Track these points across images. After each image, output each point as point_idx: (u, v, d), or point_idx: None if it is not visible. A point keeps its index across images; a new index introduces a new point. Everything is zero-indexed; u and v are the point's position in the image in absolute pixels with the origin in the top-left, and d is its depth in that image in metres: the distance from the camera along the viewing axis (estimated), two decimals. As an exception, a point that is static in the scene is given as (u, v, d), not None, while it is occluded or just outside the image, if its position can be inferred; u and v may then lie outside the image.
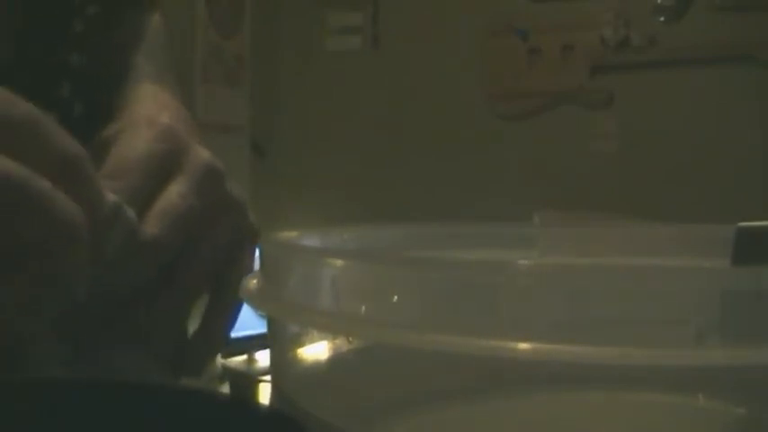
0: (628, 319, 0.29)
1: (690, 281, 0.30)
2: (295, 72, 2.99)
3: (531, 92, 2.68)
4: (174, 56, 0.63)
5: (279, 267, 0.39)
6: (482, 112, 2.74)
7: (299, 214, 2.69)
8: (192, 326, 0.47)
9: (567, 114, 2.63)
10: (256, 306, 0.42)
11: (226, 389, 0.52)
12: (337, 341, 0.40)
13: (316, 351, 0.40)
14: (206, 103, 2.53)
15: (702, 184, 2.36)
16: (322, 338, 0.40)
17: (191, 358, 0.47)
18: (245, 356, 0.55)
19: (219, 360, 0.53)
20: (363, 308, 0.33)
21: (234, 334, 0.49)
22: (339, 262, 0.34)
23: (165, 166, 0.43)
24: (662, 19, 2.50)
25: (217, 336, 0.47)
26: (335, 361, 0.40)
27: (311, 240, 0.47)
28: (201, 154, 0.45)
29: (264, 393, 0.50)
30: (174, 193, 0.43)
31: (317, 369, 0.41)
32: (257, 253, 0.47)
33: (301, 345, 0.40)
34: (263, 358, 0.54)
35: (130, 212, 0.40)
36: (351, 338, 0.39)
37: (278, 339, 0.42)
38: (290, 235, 0.45)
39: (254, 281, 0.40)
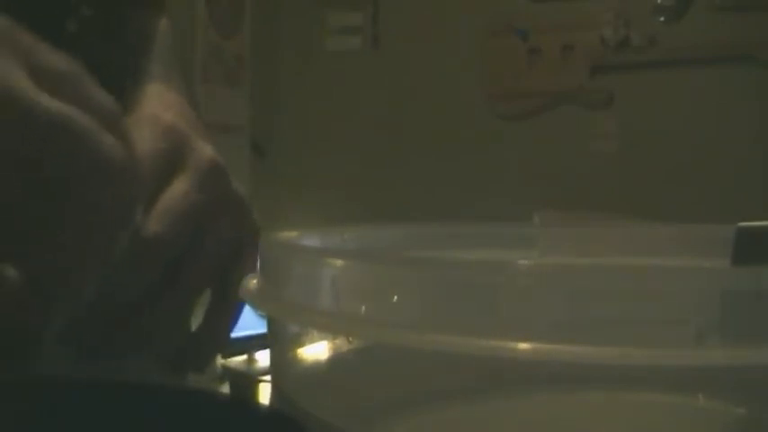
0: (628, 319, 0.29)
1: (690, 281, 0.30)
2: (295, 72, 2.99)
3: (531, 92, 2.68)
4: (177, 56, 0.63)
5: (279, 267, 0.39)
6: (482, 112, 2.74)
7: (299, 214, 2.69)
8: (195, 324, 0.47)
9: (567, 114, 2.63)
10: (256, 306, 0.42)
11: (226, 389, 0.52)
12: (337, 341, 0.40)
13: (316, 351, 0.40)
14: (206, 103, 2.53)
15: (702, 184, 2.36)
16: (322, 338, 0.40)
17: (194, 356, 0.47)
18: (245, 356, 0.55)
19: (219, 360, 0.53)
20: (363, 308, 0.33)
21: (234, 334, 0.49)
22: (339, 262, 0.34)
23: (168, 163, 0.43)
24: (662, 19, 2.50)
25: (220, 333, 0.47)
26: (335, 361, 0.40)
27: (311, 240, 0.47)
28: (205, 151, 0.45)
29: (264, 393, 0.50)
30: (178, 190, 0.43)
31: (317, 369, 0.41)
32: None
33: (301, 345, 0.40)
34: (263, 358, 0.54)
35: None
36: (351, 338, 0.39)
37: (278, 339, 0.41)
38: (290, 235, 0.45)
39: (254, 281, 0.40)
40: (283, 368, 0.42)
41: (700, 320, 0.28)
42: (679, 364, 0.28)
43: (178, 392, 0.34)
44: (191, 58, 2.54)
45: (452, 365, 0.34)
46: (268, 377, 0.50)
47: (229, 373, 0.53)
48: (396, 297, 0.32)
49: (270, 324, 0.42)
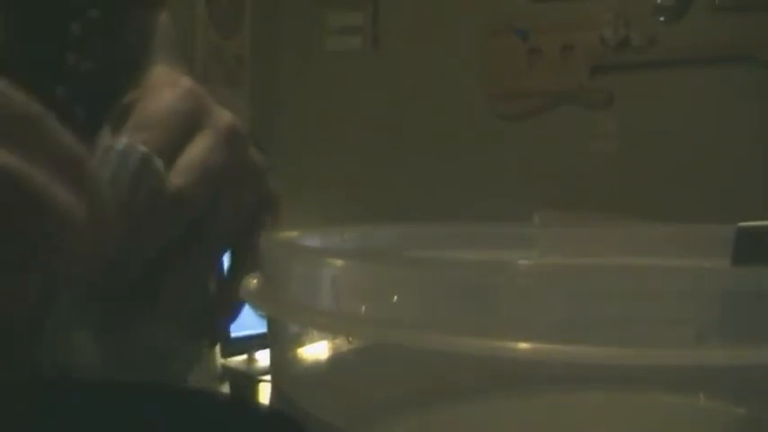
0: (628, 319, 0.29)
1: (690, 281, 0.30)
2: (295, 72, 2.99)
3: (531, 92, 2.68)
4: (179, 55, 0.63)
5: (279, 267, 0.39)
6: (482, 112, 2.74)
7: (299, 214, 2.69)
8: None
9: (567, 114, 2.63)
10: (256, 306, 0.42)
11: (226, 389, 0.52)
12: (337, 341, 0.40)
13: (316, 351, 0.40)
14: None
15: (702, 184, 2.36)
16: (322, 338, 0.40)
17: (210, 322, 0.47)
18: (245, 356, 0.55)
19: (219, 360, 0.53)
20: (363, 308, 0.33)
21: (234, 334, 0.49)
22: (339, 262, 0.34)
23: (190, 122, 0.44)
24: (662, 19, 2.50)
25: (234, 301, 0.47)
26: (335, 361, 0.40)
27: (311, 240, 0.47)
28: (225, 115, 0.46)
29: (264, 393, 0.50)
30: (200, 148, 0.43)
31: (317, 369, 0.41)
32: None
33: (301, 345, 0.40)
34: (263, 358, 0.54)
35: (159, 163, 0.40)
36: (351, 338, 0.39)
37: (278, 339, 0.41)
38: (290, 235, 0.45)
39: (254, 281, 0.40)
40: (283, 368, 0.42)
41: (700, 320, 0.28)
42: (679, 364, 0.28)
43: (178, 392, 0.34)
44: (191, 58, 2.54)
45: (452, 365, 0.34)
46: (268, 377, 0.50)
47: (229, 373, 0.53)
48: (396, 297, 0.32)
49: (270, 324, 0.42)
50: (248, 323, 0.51)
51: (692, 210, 2.03)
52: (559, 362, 0.29)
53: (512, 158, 2.65)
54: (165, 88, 0.45)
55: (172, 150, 0.42)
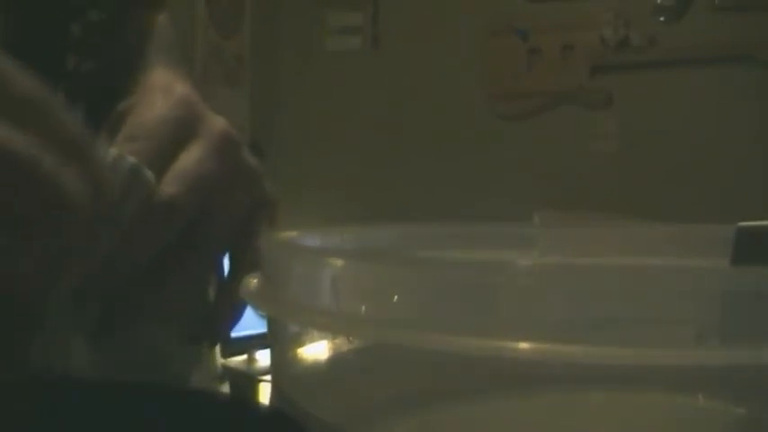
0: (628, 319, 0.29)
1: (690, 281, 0.30)
2: (295, 72, 2.99)
3: (531, 92, 2.68)
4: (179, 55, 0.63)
5: (279, 267, 0.39)
6: (482, 112, 2.74)
7: (299, 214, 2.69)
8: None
9: (567, 114, 2.63)
10: (256, 306, 0.42)
11: (226, 389, 0.52)
12: (337, 341, 0.40)
13: (316, 351, 0.40)
14: (206, 104, 2.53)
15: (702, 184, 2.36)
16: (322, 338, 0.40)
17: (209, 326, 0.47)
18: (245, 356, 0.55)
19: (219, 360, 0.53)
20: (363, 308, 0.33)
21: (234, 334, 0.49)
22: (339, 262, 0.34)
23: (181, 131, 0.44)
24: (662, 19, 2.50)
25: (233, 303, 0.47)
26: (335, 361, 0.40)
27: (311, 240, 0.47)
28: (218, 122, 0.46)
29: (264, 393, 0.50)
30: (192, 157, 0.43)
31: (317, 369, 0.41)
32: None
33: (301, 345, 0.40)
34: (263, 358, 0.54)
35: (149, 174, 0.40)
36: (351, 338, 0.39)
37: (278, 339, 0.41)
38: (290, 235, 0.45)
39: (254, 281, 0.40)
40: (283, 368, 0.42)
41: (700, 320, 0.28)
42: (679, 364, 0.28)
43: (178, 392, 0.34)
44: (191, 58, 2.54)
45: (452, 365, 0.34)
46: (268, 377, 0.50)
47: (229, 373, 0.53)
48: (396, 297, 0.32)
49: (270, 324, 0.42)
50: (248, 323, 0.51)
51: (692, 210, 2.03)
52: (559, 362, 0.29)
53: (512, 158, 2.65)
54: (158, 96, 0.45)
55: (163, 160, 0.42)
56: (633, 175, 2.51)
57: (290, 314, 0.37)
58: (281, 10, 3.02)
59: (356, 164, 2.82)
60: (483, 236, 0.53)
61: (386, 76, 2.85)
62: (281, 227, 0.48)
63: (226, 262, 0.47)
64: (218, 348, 0.71)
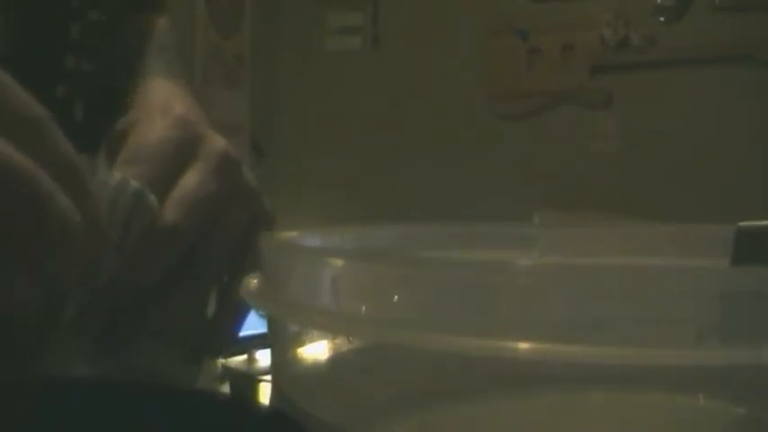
0: (628, 319, 0.29)
1: (690, 281, 0.30)
2: (295, 72, 2.99)
3: (531, 92, 2.68)
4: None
5: (279, 267, 0.39)
6: (482, 112, 2.74)
7: (299, 214, 2.70)
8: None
9: (567, 114, 2.63)
10: (256, 306, 0.42)
11: (226, 389, 0.52)
12: (337, 341, 0.40)
13: (316, 351, 0.40)
14: (206, 104, 2.53)
15: (702, 184, 2.36)
16: (322, 338, 0.40)
17: (209, 344, 0.47)
18: (245, 356, 0.55)
19: (219, 360, 0.54)
20: (363, 308, 0.33)
21: (234, 334, 0.49)
22: (339, 262, 0.34)
23: (181, 153, 0.44)
24: (662, 19, 2.50)
25: (232, 321, 0.48)
26: (335, 361, 0.40)
27: (311, 240, 0.47)
28: (217, 142, 0.46)
29: (264, 393, 0.50)
30: (192, 179, 0.43)
31: (317, 369, 0.41)
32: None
33: (301, 344, 0.40)
34: (263, 358, 0.54)
35: (152, 198, 0.40)
36: (351, 338, 0.39)
37: (278, 339, 0.41)
38: (290, 235, 0.45)
39: (254, 281, 0.40)
40: (283, 368, 0.42)
41: (700, 320, 0.28)
42: (679, 364, 0.28)
43: (178, 392, 0.34)
44: (191, 58, 2.54)
45: (452, 365, 0.34)
46: (268, 377, 0.50)
47: (229, 373, 0.53)
48: (396, 297, 0.32)
49: (270, 324, 0.42)
50: (248, 323, 0.51)
51: (692, 210, 2.02)
52: (559, 362, 0.29)
53: (512, 158, 2.65)
54: (157, 117, 0.45)
55: (164, 183, 0.42)
56: (633, 175, 2.51)
57: (290, 314, 0.37)
58: (281, 10, 3.02)
59: (356, 164, 2.82)
60: (483, 236, 0.53)
61: (386, 76, 2.85)
62: (280, 227, 0.48)
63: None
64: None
